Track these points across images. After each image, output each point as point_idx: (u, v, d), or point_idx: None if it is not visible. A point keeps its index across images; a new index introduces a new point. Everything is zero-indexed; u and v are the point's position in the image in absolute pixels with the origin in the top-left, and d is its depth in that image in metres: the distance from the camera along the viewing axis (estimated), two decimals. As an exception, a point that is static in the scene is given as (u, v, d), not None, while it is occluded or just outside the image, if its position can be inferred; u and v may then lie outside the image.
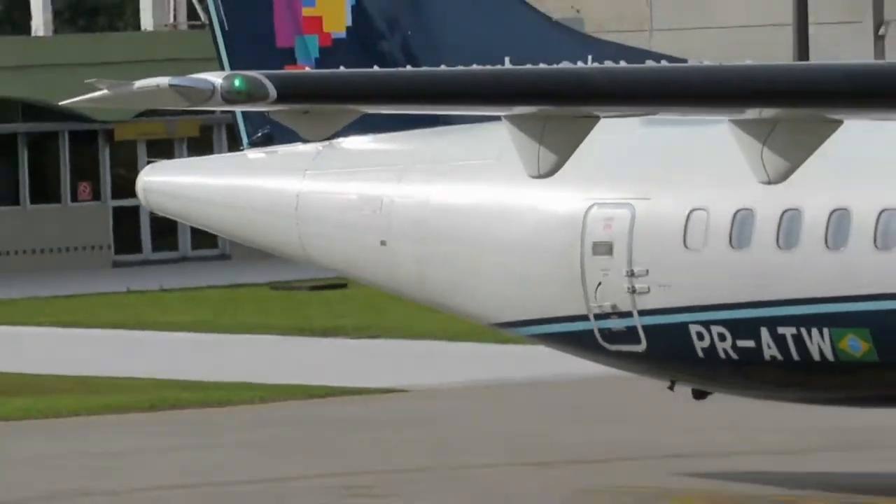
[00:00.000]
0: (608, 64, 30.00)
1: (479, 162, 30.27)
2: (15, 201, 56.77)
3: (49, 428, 37.48)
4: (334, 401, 39.13)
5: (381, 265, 32.10)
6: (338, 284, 38.54)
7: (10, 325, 52.54)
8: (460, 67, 28.31)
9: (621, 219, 28.91)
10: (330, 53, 31.55)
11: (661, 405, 32.49)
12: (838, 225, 27.49)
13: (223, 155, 42.14)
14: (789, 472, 30.67)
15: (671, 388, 30.02)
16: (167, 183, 36.04)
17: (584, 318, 29.33)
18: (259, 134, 32.24)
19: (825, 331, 27.87)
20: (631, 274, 28.71)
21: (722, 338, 28.50)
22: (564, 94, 25.51)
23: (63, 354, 46.54)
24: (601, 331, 29.21)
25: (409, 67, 30.95)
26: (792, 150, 25.54)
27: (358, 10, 32.10)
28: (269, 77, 25.21)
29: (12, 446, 35.48)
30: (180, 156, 45.64)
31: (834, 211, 27.49)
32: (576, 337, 30.06)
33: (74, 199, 57.17)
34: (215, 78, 26.06)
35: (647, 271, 28.64)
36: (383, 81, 27.02)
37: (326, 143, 30.02)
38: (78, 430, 36.10)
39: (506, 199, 29.85)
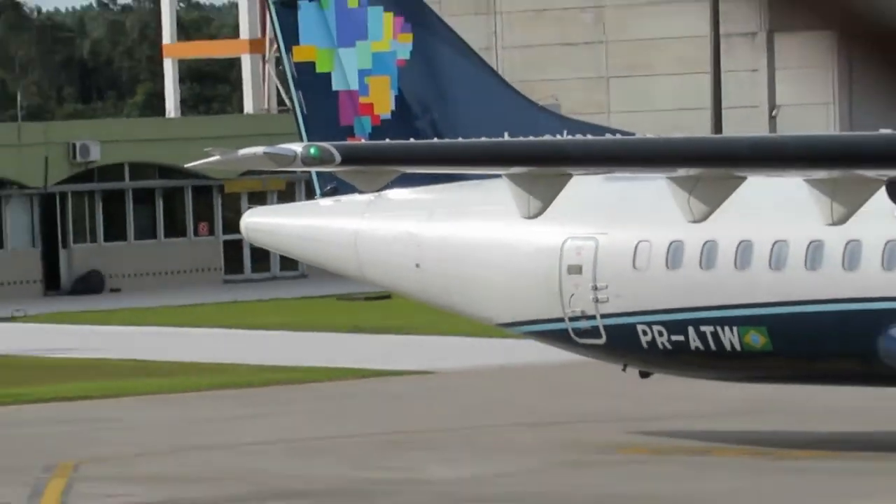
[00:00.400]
0: (578, 137, 29.66)
1: (487, 207, 29.73)
2: (153, 236, 55.80)
3: (172, 400, 36.73)
4: (380, 380, 38.13)
5: (416, 282, 31.81)
6: (384, 296, 38.07)
7: (147, 326, 51.28)
8: (472, 140, 28.54)
9: (588, 248, 28.78)
10: (379, 130, 31.20)
11: (616, 382, 31.54)
12: (744, 252, 27.53)
13: (302, 203, 41.45)
14: (708, 430, 29.73)
15: (624, 369, 30.03)
16: (262, 223, 36.03)
17: (561, 320, 29.29)
18: (328, 187, 31.80)
19: (734, 329, 27.97)
20: (595, 288, 28.55)
21: (660, 334, 28.46)
22: (547, 159, 26.13)
23: (183, 347, 43.79)
24: (573, 329, 29.21)
25: (435, 140, 30.93)
26: (710, 198, 25.50)
27: (399, 99, 31.76)
28: (335, 147, 25.28)
29: (147, 414, 34.96)
30: (271, 203, 45.88)
31: (741, 242, 27.51)
32: (555, 333, 29.93)
33: (196, 234, 56.10)
34: (297, 147, 26.35)
35: (607, 286, 28.61)
36: (418, 149, 27.79)
37: (377, 194, 29.60)
38: (193, 401, 35.79)
39: (506, 233, 29.55)
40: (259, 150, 28.84)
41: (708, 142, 34.60)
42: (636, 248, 28.48)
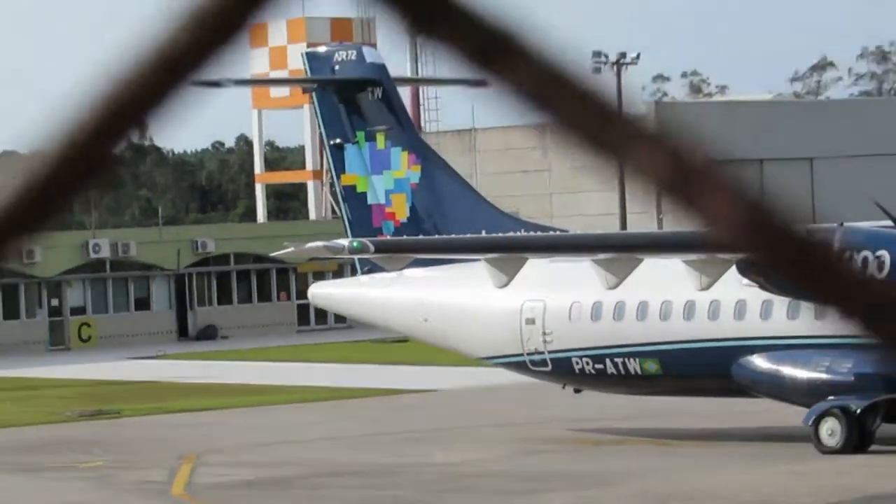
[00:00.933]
0: (532, 234, 28.57)
1: (471, 281, 27.37)
2: (249, 301, 50.76)
3: (264, 410, 33.33)
4: (401, 396, 34.78)
5: (425, 331, 29.84)
6: (404, 340, 34.05)
7: (246, 361, 43.92)
8: (461, 236, 27.63)
9: (539, 307, 27.00)
10: (399, 230, 29.47)
11: (558, 396, 28.73)
12: (643, 308, 25.80)
13: (349, 278, 35.12)
14: (623, 427, 27.79)
15: (563, 388, 28.03)
16: (322, 293, 34.95)
17: (521, 355, 27.57)
18: (365, 268, 29.99)
19: (637, 359, 26.22)
20: (544, 333, 26.88)
21: (587, 363, 26.77)
22: (511, 248, 26.04)
23: (270, 375, 39.68)
24: (529, 361, 27.41)
25: (437, 236, 28.87)
26: (620, 273, 23.62)
27: (412, 209, 29.48)
28: (370, 241, 26.07)
29: (247, 420, 32.10)
30: (328, 279, 41.15)
31: (640, 301, 25.70)
32: (517, 364, 28.16)
33: (278, 299, 51.18)
34: (345, 242, 26.70)
35: (552, 332, 26.77)
36: (426, 242, 27.58)
37: (399, 272, 27.83)
38: (278, 411, 32.59)
39: (485, 298, 27.29)
40: (319, 244, 28.05)
41: (616, 236, 33.97)
42: (570, 306, 26.78)
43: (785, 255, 1.41)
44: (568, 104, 0.61)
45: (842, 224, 23.13)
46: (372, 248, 25.58)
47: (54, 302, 49.57)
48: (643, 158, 0.56)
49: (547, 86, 0.59)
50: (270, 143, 66.71)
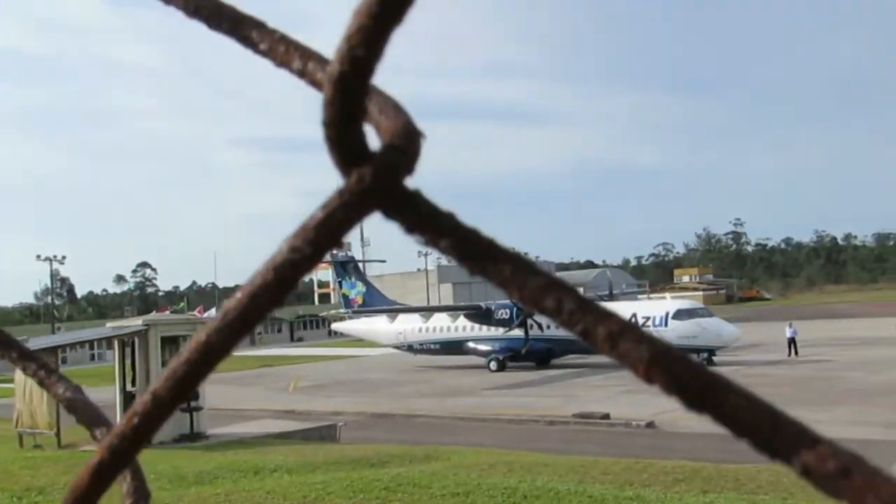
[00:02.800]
0: (403, 306, 60.54)
1: (381, 321, 56.85)
2: (313, 328, 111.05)
3: (327, 363, 59.44)
4: (362, 358, 62.71)
5: (369, 336, 59.40)
6: (361, 340, 65.80)
7: (313, 348, 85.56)
8: (381, 307, 58.62)
9: (403, 328, 55.81)
10: (359, 307, 60.15)
11: (410, 358, 57.56)
12: (433, 329, 54.63)
13: (346, 321, 64.88)
14: (433, 365, 54.85)
15: (413, 355, 56.20)
16: (337, 326, 65.12)
17: (399, 345, 56.50)
18: (349, 317, 60.77)
19: (433, 344, 54.91)
20: (405, 338, 55.66)
21: (419, 346, 55.58)
22: (396, 311, 57.66)
23: (321, 352, 71.56)
24: (405, 347, 56.00)
25: (372, 307, 59.28)
26: (427, 318, 62.24)
27: (363, 300, 61.05)
28: (351, 310, 59.94)
29: (318, 366, 56.95)
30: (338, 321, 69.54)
31: (433, 326, 54.69)
32: (397, 347, 56.51)
33: (321, 327, 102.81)
34: (344, 311, 61.09)
35: (408, 337, 55.42)
36: (369, 310, 59.10)
37: (359, 318, 58.69)
38: (333, 363, 54.58)
39: (386, 326, 56.24)
40: (333, 312, 65.36)
41: (424, 308, 63.41)
42: (413, 328, 55.09)
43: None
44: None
45: (494, 302, 67.10)
46: (351, 312, 60.84)
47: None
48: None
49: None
50: (319, 281, 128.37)
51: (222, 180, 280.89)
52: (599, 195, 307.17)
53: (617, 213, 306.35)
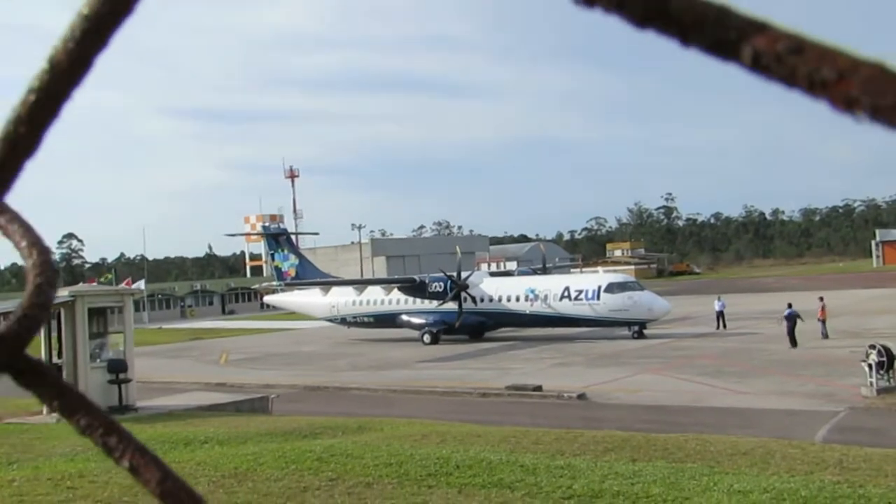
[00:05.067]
0: (336, 279, 61.38)
1: (315, 293, 58.04)
2: (245, 301, 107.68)
3: (257, 336, 60.67)
4: (296, 331, 63.17)
5: (304, 309, 60.94)
6: (293, 313, 67.80)
7: (247, 321, 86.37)
8: (314, 280, 59.65)
9: (337, 301, 57.03)
10: (292, 279, 61.18)
11: (344, 330, 59.17)
12: (368, 301, 56.31)
13: (278, 294, 66.98)
14: (367, 338, 56.74)
15: (347, 327, 57.47)
16: (269, 298, 67.81)
17: (333, 318, 57.78)
18: (281, 290, 62.44)
19: (366, 317, 56.03)
20: (339, 310, 57.02)
21: (353, 319, 56.94)
22: (328, 284, 58.93)
23: (253, 324, 75.99)
24: (339, 319, 57.37)
25: (303, 280, 59.94)
26: (360, 290, 61.85)
27: (296, 273, 61.78)
28: (283, 283, 61.21)
29: (248, 339, 57.64)
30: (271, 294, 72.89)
31: (368, 300, 55.81)
32: (331, 320, 57.96)
33: (253, 300, 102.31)
34: (276, 283, 62.19)
35: (341, 310, 56.83)
36: (301, 283, 60.21)
37: (291, 291, 60.63)
38: (264, 336, 56.67)
39: (320, 299, 57.41)
40: (268, 283, 66.13)
41: (360, 280, 66.69)
42: (346, 301, 56.10)
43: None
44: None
45: (428, 275, 66.98)
46: (283, 285, 62.13)
47: (182, 303, 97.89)
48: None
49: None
50: (251, 253, 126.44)
51: (150, 152, 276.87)
52: (532, 169, 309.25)
53: (550, 187, 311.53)
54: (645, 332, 48.49)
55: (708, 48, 0.54)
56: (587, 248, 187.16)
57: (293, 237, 69.35)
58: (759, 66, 0.53)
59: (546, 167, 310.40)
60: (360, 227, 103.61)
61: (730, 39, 0.53)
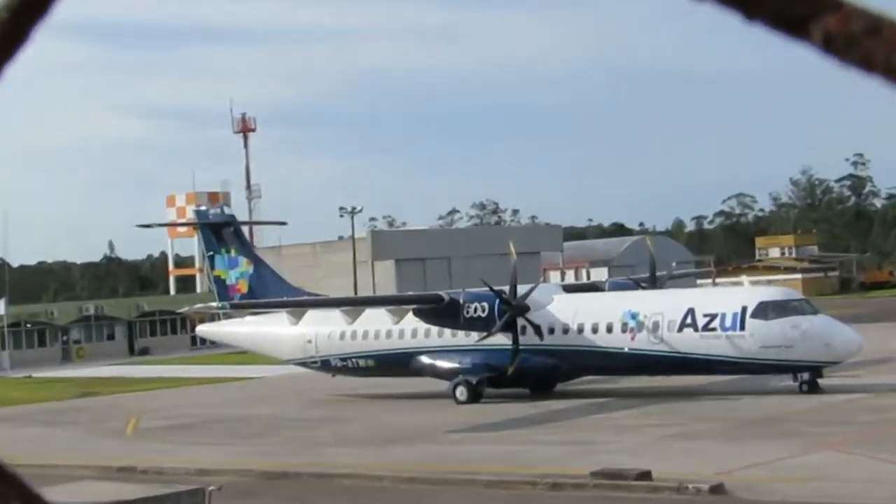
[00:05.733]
0: (310, 297, 63.67)
1: (279, 321, 60.48)
2: (166, 334, 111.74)
3: (177, 390, 63.06)
4: (247, 381, 72.12)
5: (258, 347, 65.79)
6: (245, 352, 74.83)
7: (162, 365, 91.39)
8: (275, 299, 61.67)
9: (313, 334, 60.39)
10: (242, 297, 64.50)
11: (324, 379, 63.46)
12: (366, 333, 58.34)
13: (217, 322, 71.32)
14: (356, 393, 61.13)
15: (333, 376, 61.22)
16: (204, 329, 71.64)
17: (304, 359, 61.64)
18: (225, 316, 65.78)
19: (363, 359, 58.75)
20: (316, 347, 60.25)
21: (338, 362, 60.26)
22: (300, 305, 60.53)
23: (178, 371, 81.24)
24: (310, 361, 61.43)
25: (260, 300, 62.77)
26: (353, 316, 58.65)
27: (249, 287, 65.06)
28: (228, 303, 62.77)
29: (166, 395, 62.68)
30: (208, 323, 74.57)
31: (364, 330, 58.14)
32: (303, 363, 62.22)
33: (181, 333, 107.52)
34: (216, 304, 62.49)
35: (320, 347, 59.99)
36: (256, 304, 63.42)
37: (242, 318, 63.47)
38: (185, 391, 60.71)
39: (287, 330, 60.32)
40: (203, 305, 64.86)
41: (353, 298, 74.06)
42: (329, 333, 59.25)
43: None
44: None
45: (464, 290, 57.80)
46: (229, 306, 62.23)
47: (65, 337, 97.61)
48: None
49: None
50: (177, 255, 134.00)
51: (10, 92, 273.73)
52: (634, 119, 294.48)
53: (662, 147, 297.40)
54: (820, 381, 49.89)
55: (773, 23, 0.66)
56: (724, 245, 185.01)
57: (245, 229, 72.57)
58: (831, 48, 0.65)
59: (658, 114, 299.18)
60: (353, 212, 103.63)
61: (797, 15, 0.66)
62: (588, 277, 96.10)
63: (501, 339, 55.11)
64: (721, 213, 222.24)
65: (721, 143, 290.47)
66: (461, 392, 56.03)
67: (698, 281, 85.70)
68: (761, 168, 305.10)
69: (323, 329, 61.37)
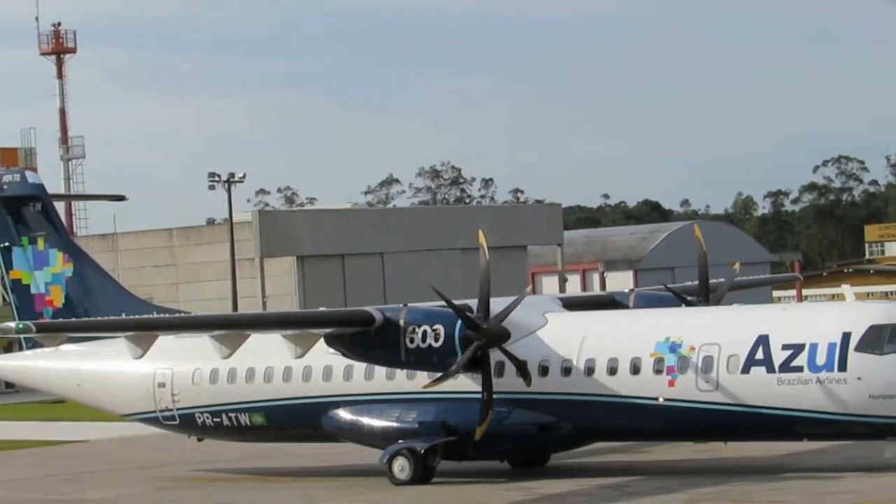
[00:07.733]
0: (163, 315, 59.88)
1: (115, 352, 57.79)
2: None
3: None
4: (61, 446, 73.38)
5: (79, 394, 64.29)
6: (62, 401, 72.52)
7: None
8: (107, 318, 57.69)
9: (168, 373, 58.72)
10: (56, 314, 60.45)
11: (185, 444, 62.48)
12: (251, 373, 56.35)
13: (16, 353, 71.44)
14: (235, 468, 60.42)
15: (189, 437, 58.53)
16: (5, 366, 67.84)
17: (154, 412, 58.79)
18: (30, 344, 60.68)
19: (247, 414, 56.48)
20: (172, 394, 57.96)
21: (208, 417, 57.59)
22: (146, 327, 54.17)
23: None
24: (161, 416, 58.89)
25: (86, 318, 59.09)
26: (232, 345, 52.91)
27: (67, 297, 61.34)
28: (33, 323, 52.18)
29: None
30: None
31: (248, 367, 55.66)
32: (152, 419, 59.17)
33: None
34: (12, 324, 51.43)
35: (179, 393, 57.47)
36: (78, 324, 56.61)
37: (56, 347, 59.04)
38: None
39: (125, 367, 59.01)
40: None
41: (229, 316, 64.50)
42: (193, 372, 55.06)
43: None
44: None
45: (405, 305, 49.82)
46: (34, 328, 52.48)
47: None
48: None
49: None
50: None
51: None
52: (664, 49, 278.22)
53: (713, 94, 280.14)
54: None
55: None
56: (816, 238, 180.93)
57: (60, 207, 68.45)
58: None
59: (709, 41, 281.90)
60: (229, 181, 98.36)
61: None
62: (603, 286, 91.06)
63: (466, 384, 50.70)
64: (811, 186, 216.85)
65: (811, 87, 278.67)
66: (401, 467, 51.39)
67: (775, 293, 77.75)
68: (873, 125, 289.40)
69: (184, 366, 57.37)
